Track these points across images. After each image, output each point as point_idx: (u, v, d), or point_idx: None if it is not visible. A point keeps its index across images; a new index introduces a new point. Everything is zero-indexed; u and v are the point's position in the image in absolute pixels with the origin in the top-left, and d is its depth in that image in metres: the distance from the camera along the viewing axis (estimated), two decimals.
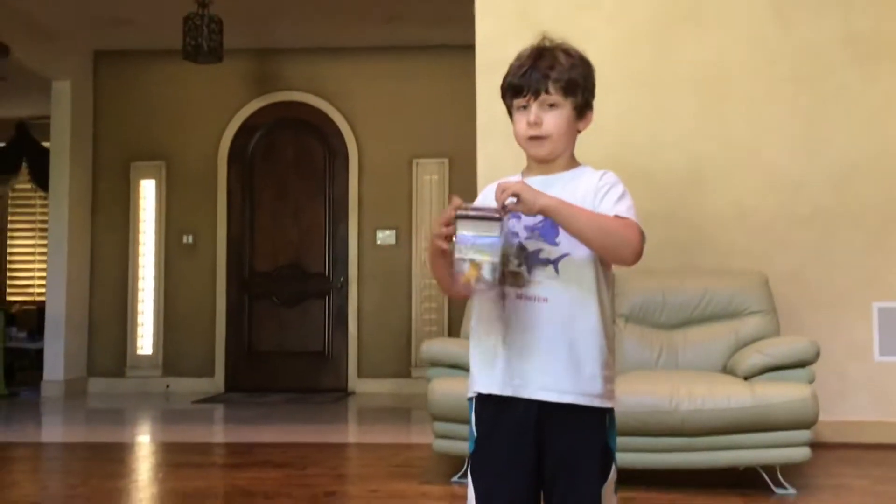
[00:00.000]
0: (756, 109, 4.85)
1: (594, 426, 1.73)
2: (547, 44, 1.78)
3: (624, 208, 1.70)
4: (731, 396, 3.56)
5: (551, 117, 1.73)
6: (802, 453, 3.59)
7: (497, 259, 1.60)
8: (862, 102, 4.81)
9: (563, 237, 1.70)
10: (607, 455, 1.74)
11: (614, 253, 1.68)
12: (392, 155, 7.40)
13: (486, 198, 1.77)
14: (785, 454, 3.59)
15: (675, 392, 3.58)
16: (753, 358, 3.81)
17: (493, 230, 1.60)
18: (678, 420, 3.55)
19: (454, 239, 1.61)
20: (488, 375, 1.75)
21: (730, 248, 4.77)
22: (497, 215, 1.61)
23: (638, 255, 1.68)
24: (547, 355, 1.69)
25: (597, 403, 1.71)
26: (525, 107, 1.75)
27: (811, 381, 3.70)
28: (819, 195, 4.80)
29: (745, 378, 3.77)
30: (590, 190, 1.72)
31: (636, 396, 3.59)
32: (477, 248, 1.60)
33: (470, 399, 1.80)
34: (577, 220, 1.64)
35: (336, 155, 7.52)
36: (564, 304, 1.69)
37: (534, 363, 1.70)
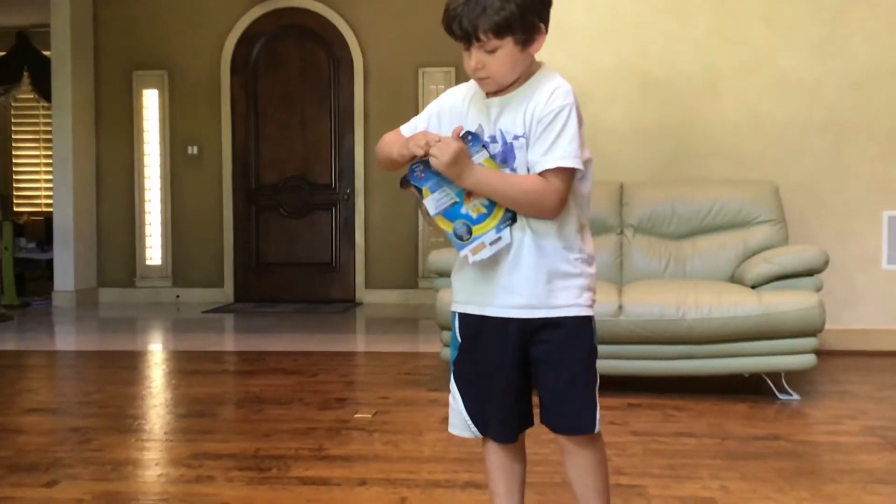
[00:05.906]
0: (773, 9, 4.71)
1: (579, 330, 1.76)
2: None
3: (553, 159, 1.66)
4: (738, 305, 3.58)
5: (492, 60, 1.68)
6: (808, 360, 3.62)
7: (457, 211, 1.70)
8: (885, 2, 4.67)
9: (522, 161, 1.70)
10: (594, 355, 1.78)
11: (531, 216, 1.71)
12: (398, 63, 7.26)
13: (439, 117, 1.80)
14: (791, 361, 3.62)
15: (683, 301, 3.60)
16: (761, 267, 3.81)
17: (448, 195, 1.69)
18: (685, 328, 3.57)
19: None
20: (467, 296, 1.80)
21: (742, 156, 4.72)
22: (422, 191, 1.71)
23: (555, 214, 1.70)
24: (520, 275, 1.72)
25: (574, 313, 1.74)
26: (467, 50, 1.70)
27: (819, 290, 3.71)
28: (835, 102, 4.71)
29: (753, 287, 3.78)
30: (535, 116, 1.69)
31: (643, 305, 3.61)
32: (454, 220, 1.71)
33: (453, 312, 1.85)
34: (495, 195, 1.69)
35: (340, 64, 7.38)
36: (530, 224, 1.71)
37: (508, 282, 1.73)
